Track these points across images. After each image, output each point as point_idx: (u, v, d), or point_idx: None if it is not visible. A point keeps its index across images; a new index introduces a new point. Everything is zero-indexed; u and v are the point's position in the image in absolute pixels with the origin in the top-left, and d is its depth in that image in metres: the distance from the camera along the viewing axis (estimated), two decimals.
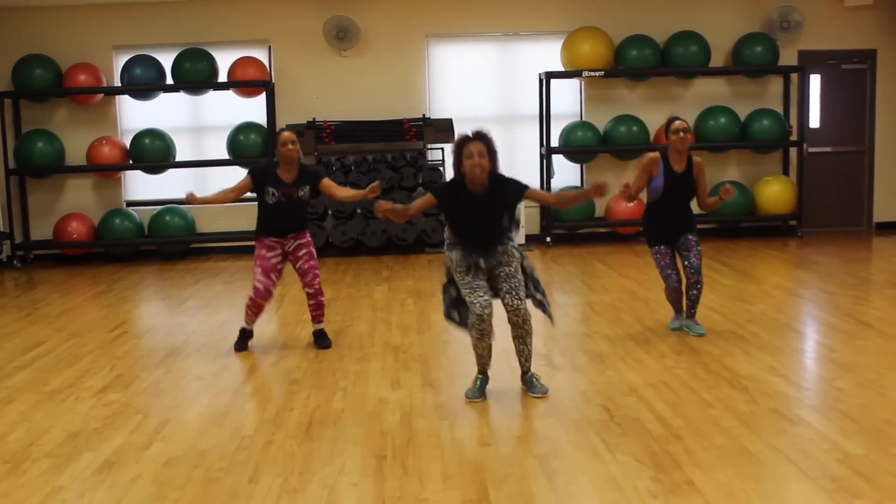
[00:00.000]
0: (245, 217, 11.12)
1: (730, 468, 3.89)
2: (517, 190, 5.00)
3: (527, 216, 11.07)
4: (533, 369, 5.29)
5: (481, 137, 4.86)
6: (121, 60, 10.97)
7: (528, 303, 5.05)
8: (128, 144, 10.87)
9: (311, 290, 6.23)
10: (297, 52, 11.08)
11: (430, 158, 10.87)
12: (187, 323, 7.25)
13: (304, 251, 6.21)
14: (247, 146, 10.72)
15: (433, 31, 11.20)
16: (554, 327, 5.76)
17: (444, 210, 5.05)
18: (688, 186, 6.22)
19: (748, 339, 6.12)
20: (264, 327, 6.93)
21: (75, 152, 10.89)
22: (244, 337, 6.36)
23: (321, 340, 6.33)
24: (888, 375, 5.18)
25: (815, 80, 11.51)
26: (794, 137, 11.25)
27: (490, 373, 5.16)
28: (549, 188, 10.96)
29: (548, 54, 11.22)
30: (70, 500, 3.82)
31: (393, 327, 6.82)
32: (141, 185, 11.29)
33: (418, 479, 3.90)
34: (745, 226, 11.45)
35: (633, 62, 10.91)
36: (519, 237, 10.87)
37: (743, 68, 11.11)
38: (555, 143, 11.11)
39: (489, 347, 5.02)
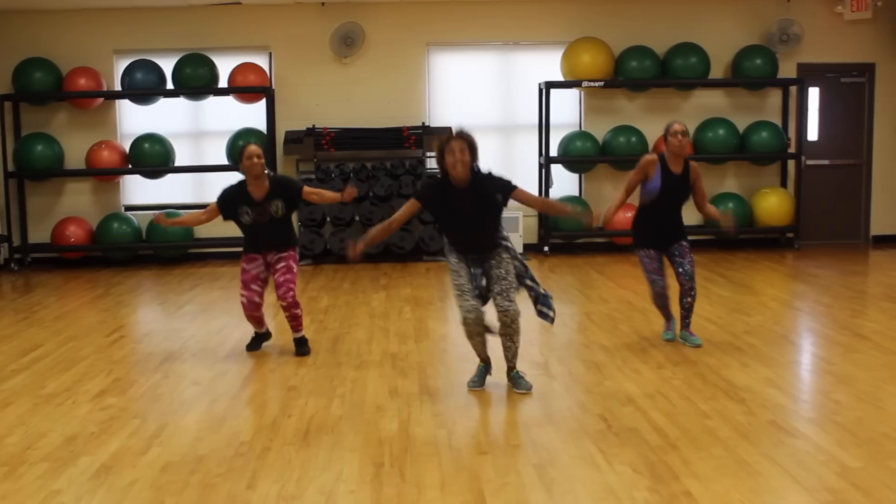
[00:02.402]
0: None
1: (727, 479, 3.90)
2: (503, 186, 5.18)
3: (525, 226, 11.09)
4: (530, 379, 5.33)
5: (461, 135, 5.05)
6: (121, 65, 10.98)
7: (529, 305, 5.32)
8: (127, 149, 10.87)
9: (283, 303, 6.24)
10: (298, 58, 11.10)
11: (429, 167, 10.88)
12: (185, 328, 7.25)
13: (282, 264, 6.21)
14: None
15: (434, 39, 11.23)
16: (552, 327, 5.82)
17: (431, 210, 5.25)
18: (684, 189, 6.22)
19: (745, 350, 6.13)
20: None
21: (74, 156, 10.89)
22: (257, 338, 6.51)
23: (300, 347, 6.35)
24: (885, 388, 5.19)
25: (813, 93, 11.54)
26: (792, 150, 11.28)
27: (488, 381, 5.32)
28: (547, 197, 10.97)
29: (548, 64, 11.24)
30: None
31: (391, 335, 6.82)
32: (140, 190, 11.29)
33: (416, 486, 3.90)
34: (742, 237, 11.45)
35: (633, 73, 10.94)
36: (517, 246, 10.90)
37: (742, 80, 11.14)
38: (554, 152, 11.12)
39: (481, 343, 5.32)
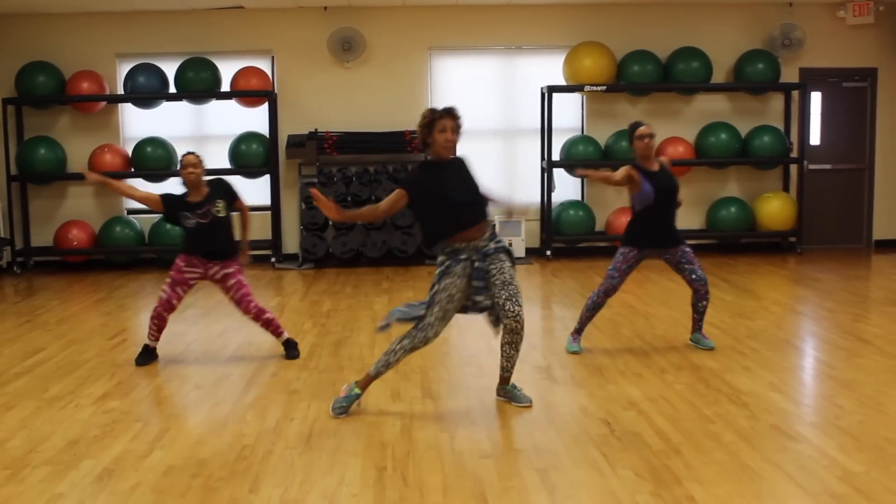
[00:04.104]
0: None
1: (730, 484, 3.89)
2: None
3: (527, 230, 11.09)
4: (533, 382, 5.32)
5: (454, 114, 4.89)
6: (124, 69, 11.00)
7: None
8: (130, 152, 10.90)
9: (250, 316, 6.23)
10: (300, 62, 11.12)
11: None
12: (187, 331, 7.25)
13: (232, 280, 6.17)
14: (248, 156, 10.75)
15: (436, 43, 11.24)
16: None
17: (421, 197, 4.86)
18: (673, 183, 6.20)
19: (748, 355, 6.13)
20: (264, 337, 6.92)
21: (77, 159, 10.90)
22: (146, 353, 6.27)
23: (290, 350, 6.32)
24: (888, 393, 5.19)
25: (815, 98, 11.56)
26: (794, 154, 11.28)
27: (481, 385, 5.25)
28: (549, 202, 10.98)
29: (550, 68, 11.26)
30: None
31: (393, 338, 6.80)
32: None
33: (418, 490, 3.90)
34: (744, 242, 11.46)
35: (635, 77, 10.95)
36: (519, 250, 10.90)
37: (744, 85, 11.15)
38: (556, 156, 11.13)
39: (391, 367, 5.04)
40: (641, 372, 5.74)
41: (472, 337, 6.86)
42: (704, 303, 6.27)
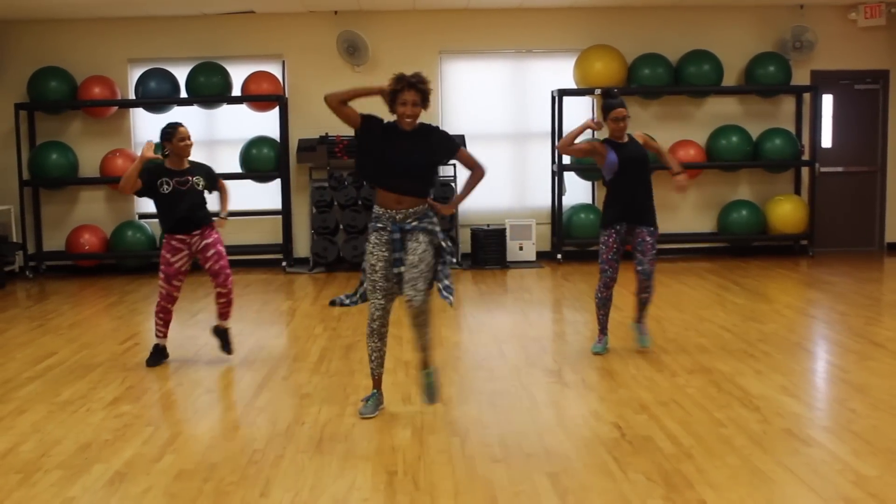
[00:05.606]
0: (256, 231, 11.16)
1: (742, 488, 3.88)
2: (449, 145, 5.00)
3: (538, 234, 11.08)
4: (544, 386, 5.29)
5: (417, 86, 4.88)
6: (135, 73, 11.04)
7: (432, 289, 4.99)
8: None
9: (223, 290, 6.31)
10: (311, 67, 11.13)
11: (441, 174, 10.88)
12: (198, 336, 7.26)
13: (212, 251, 6.25)
14: (259, 160, 10.76)
15: (446, 47, 11.24)
16: (453, 308, 5.20)
17: (366, 139, 4.95)
18: (641, 153, 6.13)
19: (760, 358, 6.11)
20: (274, 341, 6.95)
21: (89, 164, 10.96)
22: (157, 353, 6.36)
23: (225, 344, 6.40)
24: None
25: (827, 100, 11.51)
26: (806, 157, 11.25)
27: (492, 389, 5.19)
28: (560, 205, 10.97)
29: (560, 72, 11.25)
30: None
31: (404, 343, 6.81)
32: None
33: (429, 495, 3.89)
34: (756, 245, 11.42)
35: (646, 80, 10.93)
36: (529, 254, 10.89)
37: (755, 88, 11.12)
38: (567, 160, 11.11)
39: (378, 350, 5.03)
40: (653, 375, 5.72)
41: (483, 341, 6.86)
42: (645, 296, 6.24)
